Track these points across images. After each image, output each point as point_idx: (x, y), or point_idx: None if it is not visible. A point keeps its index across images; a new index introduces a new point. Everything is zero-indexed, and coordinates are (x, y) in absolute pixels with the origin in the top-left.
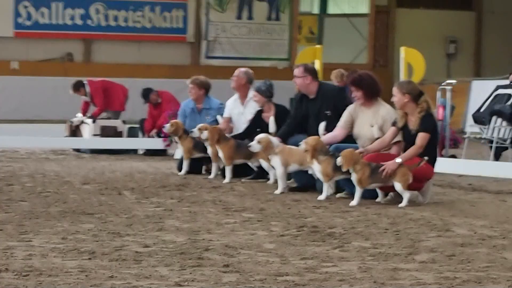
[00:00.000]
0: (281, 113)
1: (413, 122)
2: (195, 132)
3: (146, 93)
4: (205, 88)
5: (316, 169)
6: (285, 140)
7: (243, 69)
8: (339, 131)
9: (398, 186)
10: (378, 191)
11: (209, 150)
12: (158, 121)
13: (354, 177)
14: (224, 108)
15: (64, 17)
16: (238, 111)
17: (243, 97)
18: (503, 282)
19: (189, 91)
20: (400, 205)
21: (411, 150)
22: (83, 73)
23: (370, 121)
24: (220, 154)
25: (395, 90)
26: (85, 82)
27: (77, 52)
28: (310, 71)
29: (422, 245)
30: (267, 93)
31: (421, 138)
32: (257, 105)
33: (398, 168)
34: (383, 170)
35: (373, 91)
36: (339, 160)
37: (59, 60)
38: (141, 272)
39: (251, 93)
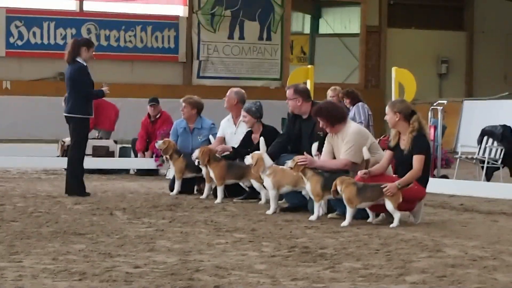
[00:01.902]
0: (269, 134)
1: (405, 141)
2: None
3: (157, 100)
4: (198, 108)
5: (307, 188)
6: (275, 157)
7: (234, 89)
8: (325, 159)
9: (389, 206)
10: (369, 211)
11: (204, 170)
12: (151, 143)
13: (343, 197)
14: (216, 128)
15: (56, 36)
16: (231, 131)
17: (236, 117)
18: None
19: (181, 109)
20: (391, 225)
21: (410, 174)
22: None
23: (342, 144)
24: (212, 174)
25: (387, 109)
26: None
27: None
28: (300, 92)
29: (413, 266)
30: (256, 114)
31: (417, 161)
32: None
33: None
34: (375, 189)
35: (335, 117)
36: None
37: (51, 79)
38: None
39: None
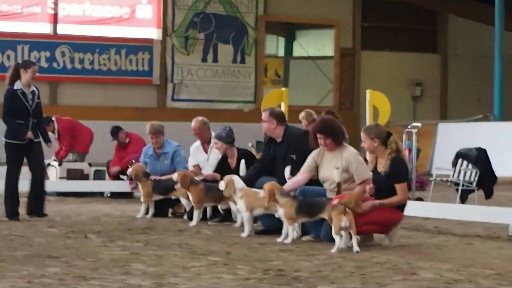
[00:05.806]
0: (244, 157)
1: (383, 164)
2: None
3: (115, 131)
4: (163, 133)
5: (280, 212)
6: (251, 183)
7: (196, 120)
8: (302, 175)
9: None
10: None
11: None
12: (122, 163)
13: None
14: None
15: (29, 59)
16: (203, 158)
17: (205, 143)
18: None
19: (152, 142)
20: (332, 250)
21: (395, 199)
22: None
23: (335, 164)
24: (190, 197)
25: (363, 136)
26: (53, 118)
27: (42, 95)
28: (275, 115)
29: None
30: (227, 139)
31: (401, 189)
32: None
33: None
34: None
35: (340, 137)
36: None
37: None
38: None
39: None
